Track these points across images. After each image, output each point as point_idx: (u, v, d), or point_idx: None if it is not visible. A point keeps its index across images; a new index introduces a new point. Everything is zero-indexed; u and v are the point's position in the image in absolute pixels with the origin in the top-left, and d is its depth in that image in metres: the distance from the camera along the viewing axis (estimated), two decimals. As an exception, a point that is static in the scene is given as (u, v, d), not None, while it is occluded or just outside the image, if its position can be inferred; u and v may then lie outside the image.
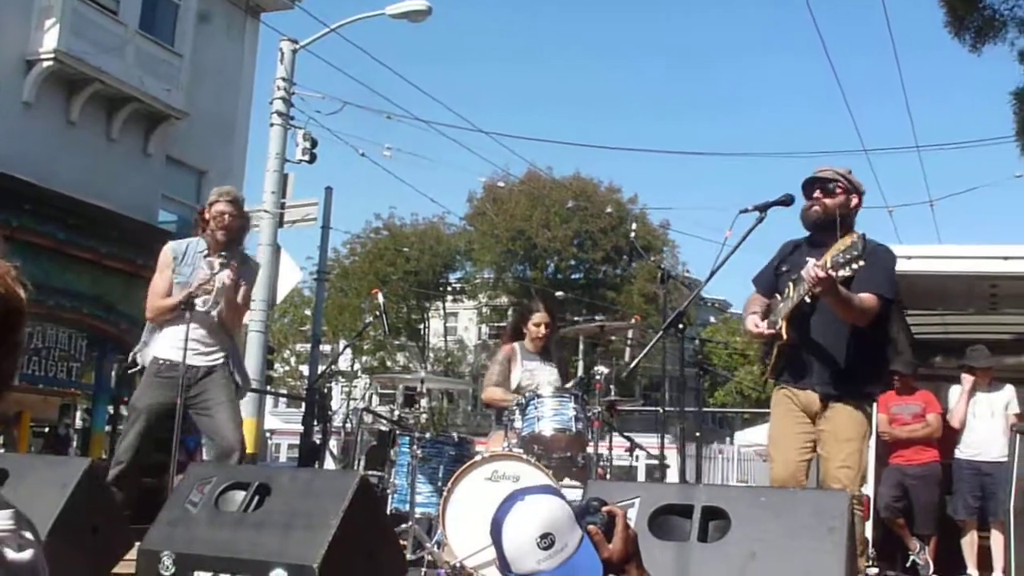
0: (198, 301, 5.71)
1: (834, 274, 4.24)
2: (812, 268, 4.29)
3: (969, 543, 8.19)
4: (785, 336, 4.70)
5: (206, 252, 5.88)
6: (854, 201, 4.80)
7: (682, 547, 3.71)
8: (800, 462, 4.77)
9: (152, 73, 16.59)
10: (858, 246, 4.19)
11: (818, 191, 4.76)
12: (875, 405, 8.36)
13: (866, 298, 4.53)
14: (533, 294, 28.86)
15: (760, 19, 77.18)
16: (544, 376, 6.78)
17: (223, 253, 5.80)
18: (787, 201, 4.73)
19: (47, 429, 13.40)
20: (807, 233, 4.88)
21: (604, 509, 2.39)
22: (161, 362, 5.76)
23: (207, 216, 5.94)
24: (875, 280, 4.58)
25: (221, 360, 5.86)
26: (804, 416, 4.78)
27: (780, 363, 4.85)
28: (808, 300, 4.52)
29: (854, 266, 4.19)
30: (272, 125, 16.87)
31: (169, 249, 5.99)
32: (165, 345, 5.80)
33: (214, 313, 5.83)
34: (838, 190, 4.74)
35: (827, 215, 4.66)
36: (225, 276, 5.75)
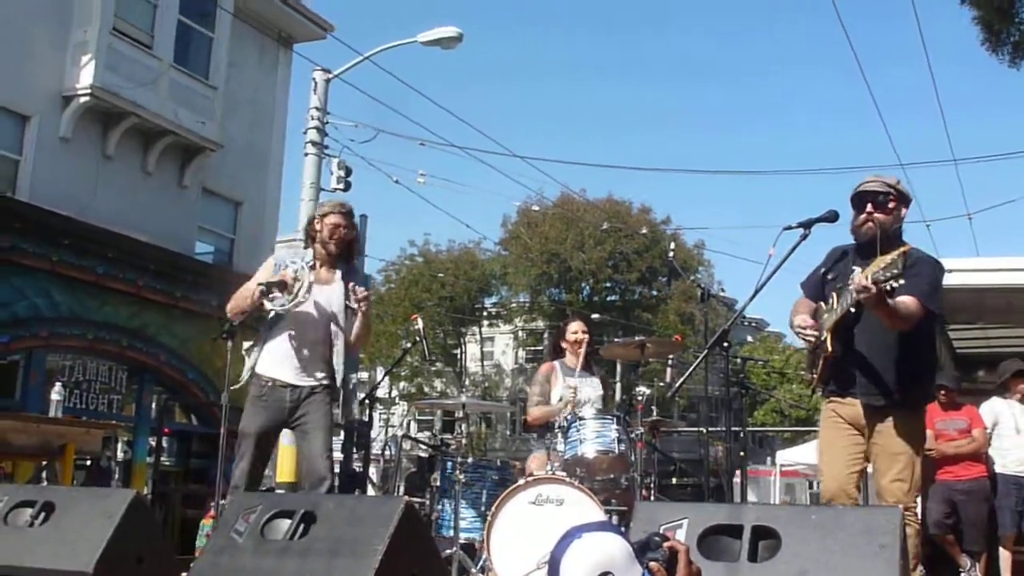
0: (276, 301, 5.63)
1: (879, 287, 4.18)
2: (859, 278, 4.24)
3: (1006, 556, 8.08)
4: (830, 349, 4.66)
5: (313, 264, 5.82)
6: (904, 212, 4.75)
7: (732, 568, 3.67)
8: (850, 474, 4.73)
9: (187, 106, 16.77)
10: (898, 263, 4.13)
11: (870, 204, 4.67)
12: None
13: (909, 301, 4.46)
14: (569, 316, 28.82)
15: (792, 35, 77.09)
16: (586, 392, 6.75)
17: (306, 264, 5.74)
18: (831, 218, 4.69)
19: (89, 462, 13.48)
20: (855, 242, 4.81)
21: (666, 545, 2.31)
22: (264, 382, 5.66)
23: (318, 227, 5.90)
24: (918, 287, 4.51)
25: (326, 382, 5.77)
26: (852, 428, 4.75)
27: (826, 374, 4.81)
28: (853, 311, 4.48)
29: (893, 284, 4.14)
30: (306, 154, 16.98)
31: (273, 259, 5.95)
32: (268, 362, 5.70)
33: (336, 334, 5.77)
34: (890, 203, 4.67)
35: (883, 232, 4.59)
36: (360, 298, 5.71)
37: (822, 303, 4.80)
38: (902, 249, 4.40)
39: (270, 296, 5.57)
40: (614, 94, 78.93)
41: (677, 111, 79.15)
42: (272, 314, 5.69)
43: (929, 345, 4.76)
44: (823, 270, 4.90)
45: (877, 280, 4.15)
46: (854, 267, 4.41)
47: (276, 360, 5.69)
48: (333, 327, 5.78)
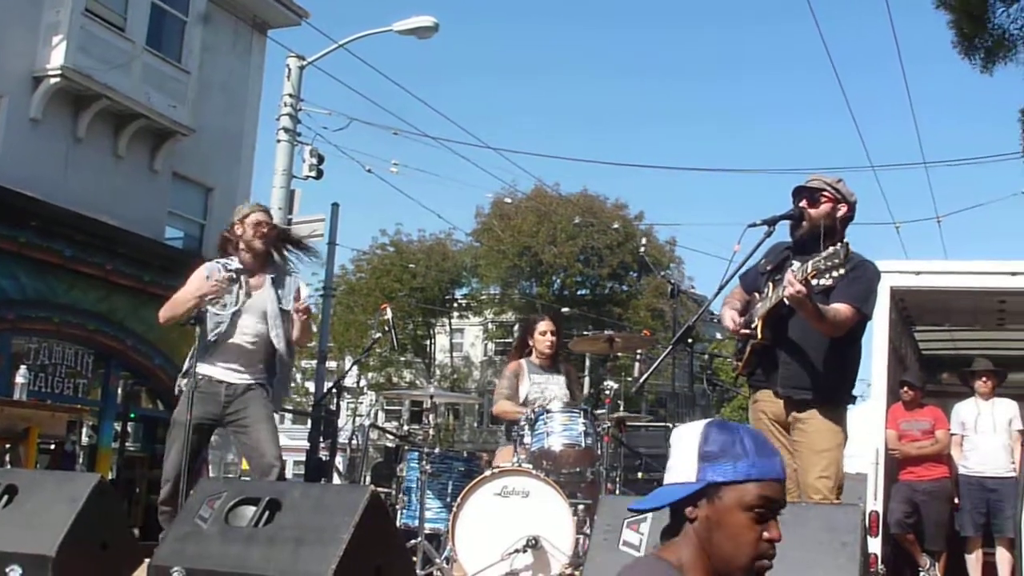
0: (225, 307, 5.66)
1: (814, 283, 4.24)
2: (790, 275, 4.31)
3: (975, 560, 8.17)
4: (760, 336, 4.71)
5: (241, 270, 5.79)
6: (841, 211, 4.77)
7: (694, 562, 3.69)
8: (789, 474, 4.77)
9: (159, 89, 16.64)
10: (839, 254, 4.18)
11: (804, 200, 4.75)
12: (885, 419, 8.45)
13: (841, 308, 4.53)
14: (538, 309, 28.84)
15: (766, 35, 77.28)
16: (553, 390, 6.77)
17: (239, 267, 5.75)
18: (795, 216, 4.74)
19: (53, 446, 13.39)
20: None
21: None
22: (201, 378, 5.62)
23: (239, 231, 5.85)
24: (853, 293, 4.57)
25: (262, 379, 5.77)
26: (780, 430, 4.79)
27: (753, 361, 4.86)
28: (787, 303, 4.52)
29: (835, 273, 4.19)
30: (279, 141, 16.93)
31: (205, 268, 5.87)
32: (206, 363, 5.67)
33: (275, 336, 5.77)
34: (823, 199, 4.73)
35: (811, 225, 4.66)
36: (300, 308, 5.77)
37: (756, 294, 4.85)
38: (844, 242, 4.44)
39: (203, 310, 5.57)
40: (591, 89, 79.04)
41: (653, 109, 79.26)
42: (209, 315, 5.67)
43: (855, 345, 4.81)
44: (762, 264, 4.96)
45: (817, 269, 4.20)
46: (793, 261, 4.48)
47: (211, 359, 5.68)
48: (267, 329, 5.78)
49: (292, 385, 39.77)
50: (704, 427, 2.15)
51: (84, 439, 16.82)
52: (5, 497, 4.63)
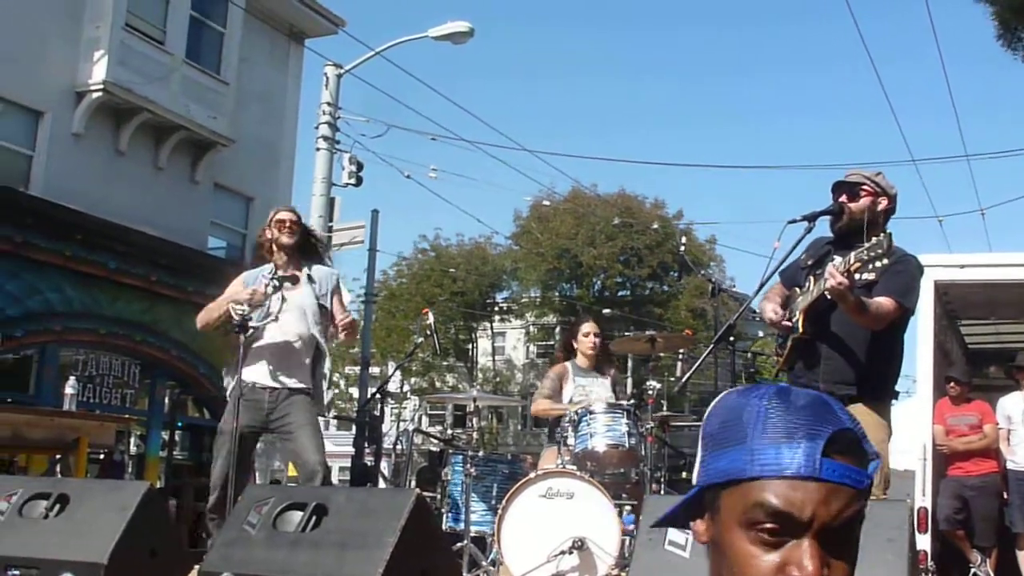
0: (253, 315, 5.72)
1: (856, 276, 4.19)
2: (832, 268, 4.26)
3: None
4: (801, 329, 4.67)
5: (275, 274, 5.85)
6: (882, 204, 4.72)
7: (741, 560, 3.67)
8: None
9: (198, 101, 16.78)
10: (882, 244, 4.12)
11: (844, 195, 4.71)
12: (931, 415, 8.38)
13: (883, 302, 4.47)
14: (579, 312, 28.82)
15: (805, 32, 76.80)
16: (597, 391, 6.77)
17: (280, 275, 5.80)
18: (836, 211, 4.70)
19: (102, 455, 13.53)
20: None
21: None
22: (245, 385, 5.64)
23: (269, 235, 5.94)
24: (895, 287, 4.51)
25: (305, 384, 5.80)
26: None
27: (793, 356, 4.81)
28: (828, 296, 4.48)
29: (877, 264, 4.13)
30: (318, 149, 17.02)
31: (240, 278, 5.98)
32: (249, 368, 5.72)
33: (317, 333, 5.84)
34: (863, 193, 4.68)
35: (851, 220, 4.63)
36: (344, 326, 5.93)
37: (796, 288, 4.81)
38: (887, 232, 4.38)
39: (246, 317, 5.62)
40: (627, 90, 78.81)
41: (691, 107, 78.99)
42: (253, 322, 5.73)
43: (898, 339, 4.75)
44: (803, 259, 4.91)
45: (860, 259, 4.15)
46: (834, 256, 4.44)
47: (253, 364, 5.73)
48: (308, 327, 5.83)
49: (336, 391, 40.03)
50: (719, 397, 1.32)
51: (132, 448, 17.00)
52: (57, 506, 4.69)
